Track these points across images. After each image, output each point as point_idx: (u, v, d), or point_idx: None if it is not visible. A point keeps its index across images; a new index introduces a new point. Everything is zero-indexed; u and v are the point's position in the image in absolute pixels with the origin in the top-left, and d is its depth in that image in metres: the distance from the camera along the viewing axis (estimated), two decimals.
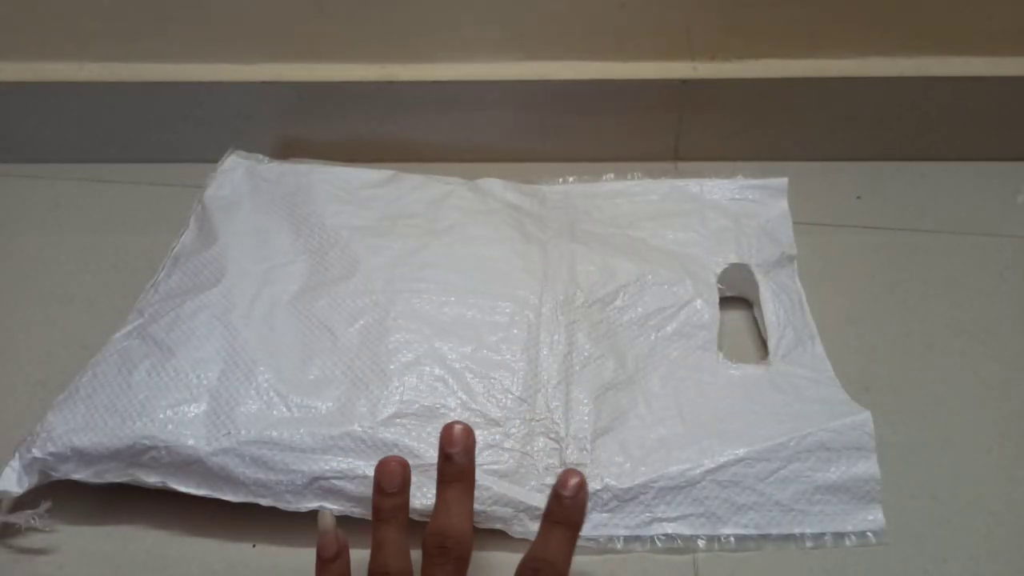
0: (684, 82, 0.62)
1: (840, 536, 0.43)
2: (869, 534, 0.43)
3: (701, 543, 0.43)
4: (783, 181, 0.59)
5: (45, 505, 0.44)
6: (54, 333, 0.56)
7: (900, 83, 0.61)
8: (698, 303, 0.52)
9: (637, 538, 0.44)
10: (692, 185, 0.60)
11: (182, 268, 0.54)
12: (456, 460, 0.38)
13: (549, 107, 0.64)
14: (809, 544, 0.43)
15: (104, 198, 0.66)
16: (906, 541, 0.43)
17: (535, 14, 0.61)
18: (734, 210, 0.58)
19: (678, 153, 0.67)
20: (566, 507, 0.37)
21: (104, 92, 0.64)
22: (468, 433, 0.38)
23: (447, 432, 0.38)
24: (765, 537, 0.43)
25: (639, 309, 0.52)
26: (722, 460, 0.44)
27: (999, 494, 0.45)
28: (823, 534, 0.43)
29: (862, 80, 0.61)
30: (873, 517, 0.44)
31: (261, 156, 0.62)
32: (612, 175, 0.62)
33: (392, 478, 0.38)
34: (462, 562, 0.37)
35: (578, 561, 0.43)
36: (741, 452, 0.44)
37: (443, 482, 0.38)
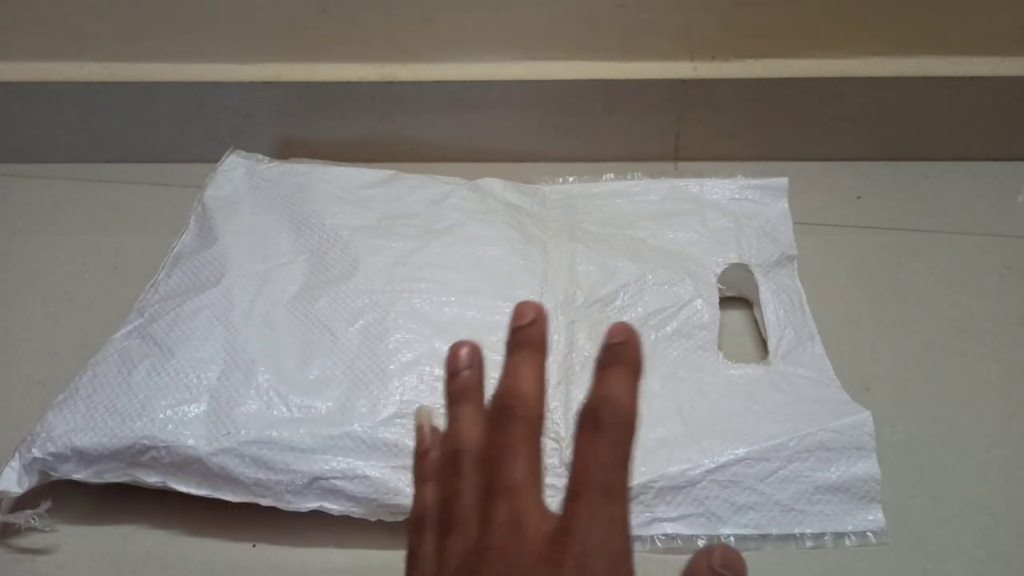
0: (684, 82, 0.62)
1: (840, 536, 0.43)
2: (869, 534, 0.43)
3: (701, 543, 0.43)
4: (783, 181, 0.59)
5: (45, 505, 0.44)
6: (54, 333, 0.56)
7: (900, 83, 0.61)
8: (698, 303, 0.52)
9: (637, 538, 0.44)
10: (692, 185, 0.60)
11: (182, 268, 0.54)
12: (526, 331, 0.32)
13: (549, 107, 0.64)
14: (809, 544, 0.43)
15: (104, 198, 0.66)
16: (906, 541, 0.43)
17: (535, 14, 0.61)
18: (734, 210, 0.58)
19: (678, 153, 0.67)
20: (620, 348, 0.30)
21: (104, 92, 0.64)
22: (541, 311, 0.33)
23: (518, 315, 0.33)
24: (765, 537, 0.43)
25: (639, 309, 0.52)
26: (722, 460, 0.44)
27: (999, 494, 0.45)
28: (823, 534, 0.43)
29: (862, 80, 0.61)
30: (873, 517, 0.44)
31: (261, 156, 0.62)
32: (612, 175, 0.62)
33: (459, 359, 0.34)
34: (530, 423, 0.30)
35: None
36: (741, 452, 0.44)
37: (509, 352, 0.33)
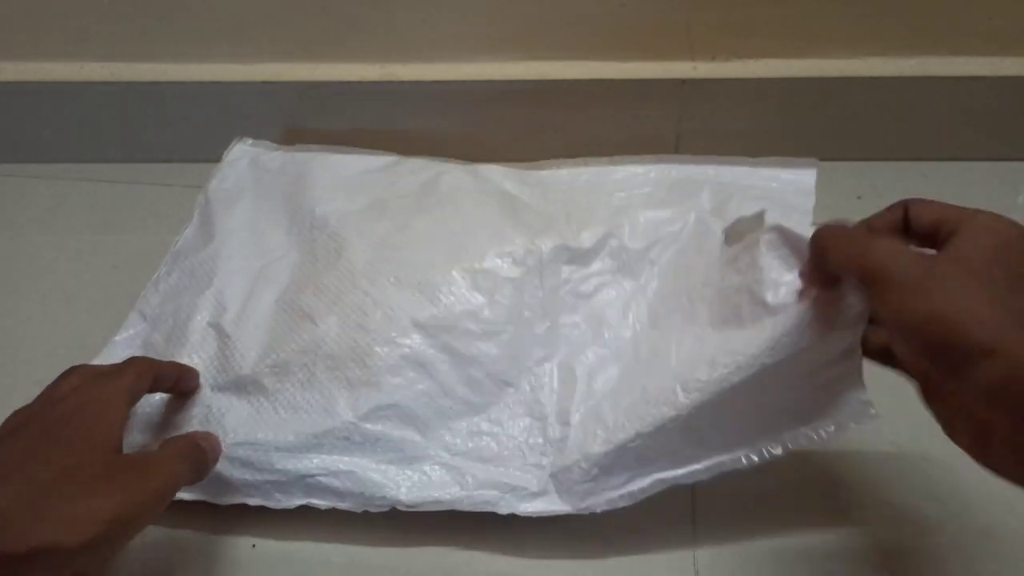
0: (684, 82, 0.62)
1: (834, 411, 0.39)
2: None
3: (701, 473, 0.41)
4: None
5: None
6: (54, 333, 0.56)
7: (900, 83, 0.61)
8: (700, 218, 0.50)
9: (629, 494, 0.42)
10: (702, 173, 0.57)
11: (181, 266, 0.54)
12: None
13: (549, 107, 0.64)
14: (812, 436, 0.39)
15: (104, 198, 0.66)
16: (906, 541, 0.43)
17: (535, 14, 0.61)
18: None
19: (678, 153, 0.66)
20: None
21: (104, 92, 0.64)
22: None
23: None
24: (756, 452, 0.40)
25: (637, 243, 0.51)
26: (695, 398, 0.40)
27: (999, 494, 0.45)
28: (815, 417, 0.39)
29: (862, 80, 0.61)
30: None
31: (269, 143, 0.62)
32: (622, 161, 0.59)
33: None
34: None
35: (575, 566, 0.43)
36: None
37: None
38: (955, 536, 0.44)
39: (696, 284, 0.46)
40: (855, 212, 0.62)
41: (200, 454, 0.41)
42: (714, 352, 0.40)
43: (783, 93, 0.62)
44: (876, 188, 0.64)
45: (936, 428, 0.48)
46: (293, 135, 0.66)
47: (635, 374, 0.46)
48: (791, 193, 0.53)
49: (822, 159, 0.66)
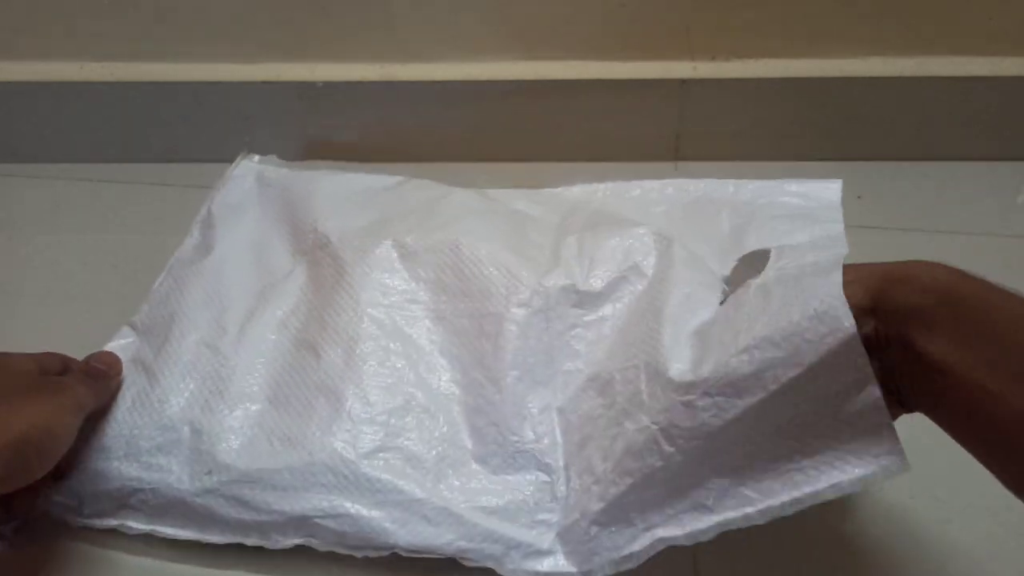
0: (684, 82, 0.62)
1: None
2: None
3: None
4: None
5: (12, 524, 0.44)
6: (54, 333, 0.56)
7: (900, 83, 0.61)
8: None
9: (632, 555, 0.40)
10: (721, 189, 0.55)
11: (178, 280, 0.53)
12: None
13: (549, 107, 0.64)
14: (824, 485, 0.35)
15: (104, 198, 0.66)
16: (907, 541, 0.43)
17: (535, 14, 0.61)
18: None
19: (678, 153, 0.66)
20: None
21: (104, 92, 0.64)
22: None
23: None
24: (768, 510, 0.36)
25: (646, 289, 0.48)
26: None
27: (999, 494, 0.45)
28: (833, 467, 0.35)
29: (862, 80, 0.61)
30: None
31: (275, 159, 0.61)
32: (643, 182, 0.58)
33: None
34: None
35: None
36: None
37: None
38: (957, 541, 0.44)
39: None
40: (855, 212, 0.62)
41: (98, 375, 0.45)
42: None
43: (783, 93, 0.62)
44: (876, 188, 0.64)
45: (935, 429, 0.48)
46: (289, 141, 0.66)
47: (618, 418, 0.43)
48: (816, 209, 0.51)
49: (822, 159, 0.66)
